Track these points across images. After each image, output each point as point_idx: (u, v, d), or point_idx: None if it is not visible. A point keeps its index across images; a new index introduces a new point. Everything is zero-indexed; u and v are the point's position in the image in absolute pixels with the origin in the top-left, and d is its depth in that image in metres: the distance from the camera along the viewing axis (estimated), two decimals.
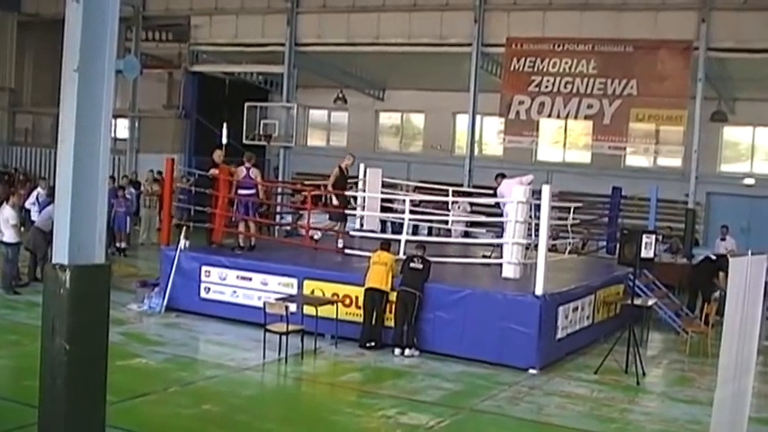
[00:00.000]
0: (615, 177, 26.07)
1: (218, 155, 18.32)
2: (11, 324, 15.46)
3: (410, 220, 18.55)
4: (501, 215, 17.80)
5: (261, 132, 30.58)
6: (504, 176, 18.11)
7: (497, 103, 27.20)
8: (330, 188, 18.92)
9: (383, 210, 21.90)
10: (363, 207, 21.33)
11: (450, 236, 22.54)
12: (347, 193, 20.72)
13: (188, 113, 34.16)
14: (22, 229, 19.32)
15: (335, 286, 15.70)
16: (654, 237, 15.02)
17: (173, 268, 17.14)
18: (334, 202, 19.02)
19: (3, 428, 9.95)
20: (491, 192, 19.44)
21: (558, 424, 11.71)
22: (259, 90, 34.18)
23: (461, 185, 25.97)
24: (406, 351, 14.71)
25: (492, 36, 27.36)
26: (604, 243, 22.78)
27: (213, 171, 18.01)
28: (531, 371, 14.08)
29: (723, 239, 23.21)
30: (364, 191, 21.34)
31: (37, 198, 22.10)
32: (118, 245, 24.15)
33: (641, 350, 14.84)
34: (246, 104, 31.09)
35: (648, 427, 11.78)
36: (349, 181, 22.10)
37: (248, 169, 18.15)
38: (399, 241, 16.89)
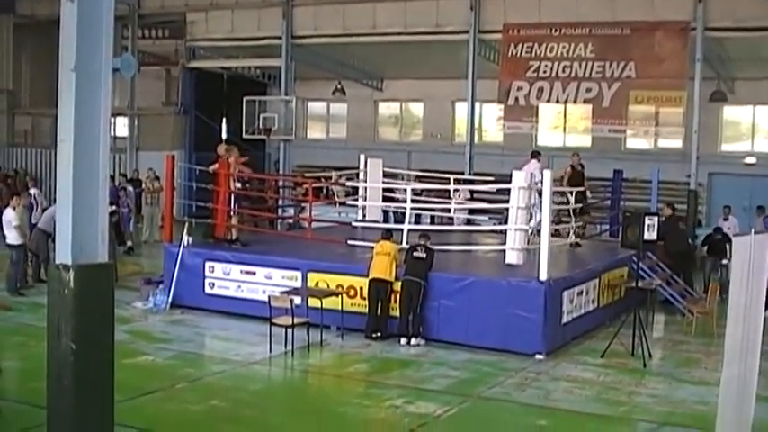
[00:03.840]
0: (616, 160, 26.06)
1: (222, 148, 18.32)
2: (16, 326, 15.47)
3: (412, 209, 18.54)
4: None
5: (260, 126, 30.61)
6: (538, 157, 18.61)
7: (496, 89, 27.16)
8: (566, 185, 19.20)
9: (385, 200, 21.90)
10: (365, 198, 21.34)
11: (452, 224, 22.56)
12: (350, 183, 20.72)
13: (187, 110, 34.11)
14: None
15: (340, 278, 15.72)
16: (656, 219, 15.01)
17: (176, 265, 17.15)
18: (570, 200, 19.03)
19: (12, 430, 9.97)
20: (492, 179, 19.48)
21: (566, 408, 11.73)
22: (257, 84, 34.14)
23: (462, 173, 25.94)
24: (412, 340, 14.73)
25: (488, 23, 27.29)
26: (607, 226, 22.76)
27: (214, 166, 17.96)
28: (538, 356, 14.09)
29: (726, 219, 23.19)
30: (365, 181, 21.35)
31: (35, 198, 22.15)
32: (128, 243, 24.35)
33: (647, 332, 14.84)
34: (245, 99, 31.11)
35: (656, 409, 11.79)
36: (350, 172, 22.13)
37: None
38: (402, 231, 16.89)
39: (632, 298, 15.34)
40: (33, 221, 20.55)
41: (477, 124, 29.49)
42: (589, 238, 21.13)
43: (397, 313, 14.99)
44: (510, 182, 15.93)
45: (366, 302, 15.18)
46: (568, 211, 18.90)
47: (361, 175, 21.82)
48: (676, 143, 28.13)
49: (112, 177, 26.94)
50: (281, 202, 24.11)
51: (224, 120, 32.32)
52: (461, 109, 30.63)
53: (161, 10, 33.42)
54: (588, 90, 25.84)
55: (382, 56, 31.69)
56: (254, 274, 16.62)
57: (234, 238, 17.99)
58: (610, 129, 26.18)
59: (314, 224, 19.38)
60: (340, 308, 15.03)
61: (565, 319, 15.13)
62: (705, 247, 21.14)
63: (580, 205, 19.49)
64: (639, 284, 15.67)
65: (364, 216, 21.29)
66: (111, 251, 19.63)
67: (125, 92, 33.31)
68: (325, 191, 26.83)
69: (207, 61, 33.61)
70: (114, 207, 21.31)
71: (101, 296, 7.99)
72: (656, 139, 29.14)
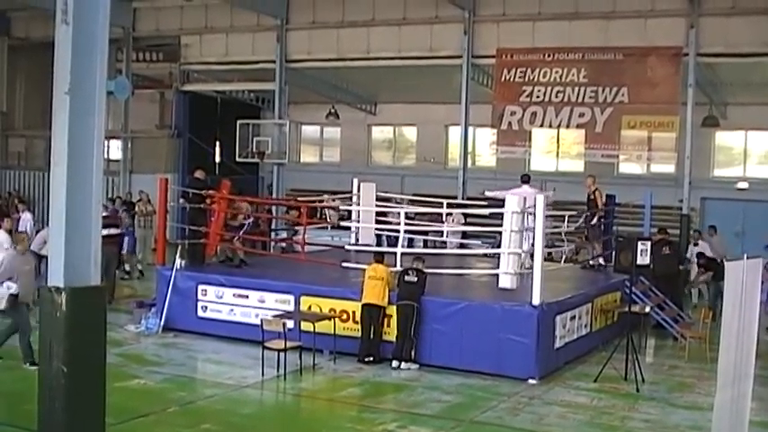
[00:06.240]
0: (609, 185, 25.97)
1: (200, 173, 18.48)
2: (8, 348, 15.35)
3: (405, 232, 18.52)
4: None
5: (254, 150, 30.58)
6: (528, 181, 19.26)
7: (489, 114, 27.22)
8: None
9: (378, 224, 21.86)
10: (358, 221, 21.33)
11: (445, 248, 22.52)
12: (344, 207, 20.71)
13: (180, 133, 34.12)
14: None
15: (332, 302, 15.69)
16: (649, 243, 15.01)
17: (169, 288, 17.11)
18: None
19: None
20: (486, 203, 19.48)
21: None
22: (251, 107, 34.12)
23: (455, 197, 25.95)
24: (405, 365, 14.70)
25: (482, 47, 27.39)
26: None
27: (218, 193, 18.17)
28: (531, 381, 14.07)
29: (695, 245, 23.26)
30: (359, 205, 21.34)
31: (32, 222, 22.17)
32: (127, 267, 24.29)
33: (640, 357, 14.85)
34: (238, 122, 31.13)
35: None
36: (343, 196, 22.11)
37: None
38: (395, 254, 16.86)
39: (625, 322, 15.32)
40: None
41: (470, 148, 29.55)
42: (582, 263, 21.12)
43: (390, 337, 14.96)
44: (503, 206, 15.93)
45: (359, 326, 15.15)
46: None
47: (355, 199, 21.80)
48: (669, 168, 28.10)
49: (113, 200, 26.98)
50: (274, 225, 24.09)
51: (217, 143, 32.34)
52: (455, 133, 30.67)
53: (155, 33, 33.50)
54: (581, 115, 25.93)
55: (376, 80, 31.77)
56: (247, 297, 16.58)
57: (243, 260, 18.32)
58: (603, 153, 26.22)
59: (307, 248, 19.35)
60: (333, 332, 15.00)
61: (558, 344, 15.11)
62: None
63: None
64: (632, 309, 15.66)
65: (357, 240, 21.26)
66: (113, 273, 19.88)
67: (119, 114, 33.33)
68: (318, 214, 26.80)
69: (201, 84, 33.63)
70: (120, 230, 21.36)
71: (93, 319, 7.97)
72: (649, 164, 29.10)
